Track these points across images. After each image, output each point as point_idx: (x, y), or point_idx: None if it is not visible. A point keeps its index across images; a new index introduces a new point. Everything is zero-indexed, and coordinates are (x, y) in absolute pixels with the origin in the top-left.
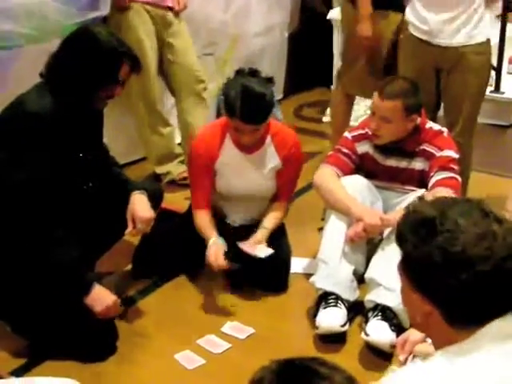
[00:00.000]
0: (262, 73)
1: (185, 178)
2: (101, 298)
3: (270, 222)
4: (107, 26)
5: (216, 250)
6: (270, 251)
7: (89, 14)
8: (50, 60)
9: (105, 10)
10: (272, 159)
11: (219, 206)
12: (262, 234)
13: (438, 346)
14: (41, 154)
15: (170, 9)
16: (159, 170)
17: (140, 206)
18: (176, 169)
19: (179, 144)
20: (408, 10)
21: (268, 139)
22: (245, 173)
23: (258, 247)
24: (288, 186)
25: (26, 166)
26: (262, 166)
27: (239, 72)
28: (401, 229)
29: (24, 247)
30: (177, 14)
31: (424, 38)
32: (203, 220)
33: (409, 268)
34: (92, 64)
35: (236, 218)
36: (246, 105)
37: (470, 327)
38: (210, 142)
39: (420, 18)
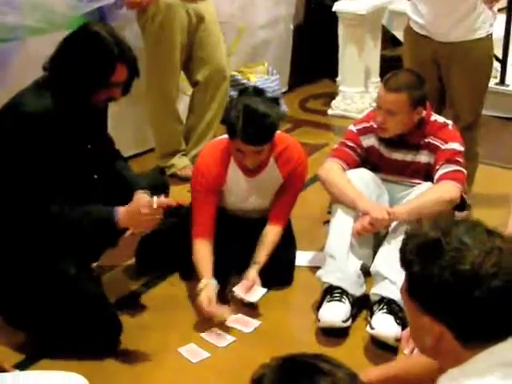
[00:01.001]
0: (268, 93)
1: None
2: (133, 214)
3: (261, 255)
4: (110, 26)
5: (209, 295)
6: (261, 292)
7: (97, 3)
8: (52, 56)
9: None
10: (275, 179)
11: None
12: (253, 272)
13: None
14: (45, 154)
15: None
16: (163, 162)
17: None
18: (179, 162)
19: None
20: (409, 5)
21: (271, 161)
22: (248, 196)
23: (249, 292)
24: (285, 204)
25: (32, 167)
26: (266, 185)
27: (244, 91)
28: (405, 252)
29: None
30: None
31: (422, 32)
32: (201, 252)
33: (417, 291)
34: (83, 67)
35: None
36: (247, 125)
37: (484, 344)
38: (215, 171)
39: (417, 12)
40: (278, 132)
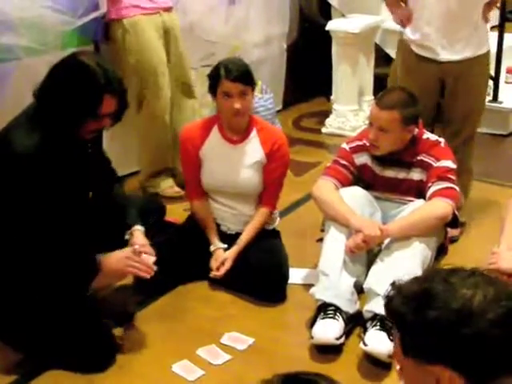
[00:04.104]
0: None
1: (171, 196)
2: (114, 270)
3: (243, 238)
4: (97, 54)
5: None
6: None
7: (88, 17)
8: (40, 85)
9: (103, 7)
10: (256, 152)
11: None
12: (230, 252)
13: None
14: (38, 193)
15: (165, 10)
16: (147, 182)
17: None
18: (163, 182)
19: None
20: (409, 29)
21: (253, 132)
22: (229, 163)
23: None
24: (272, 186)
25: (27, 206)
26: (247, 157)
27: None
28: (392, 311)
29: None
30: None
31: (427, 55)
32: (201, 213)
33: (416, 343)
34: (70, 99)
35: (230, 225)
36: (229, 65)
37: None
38: (195, 132)
39: (422, 36)
40: None
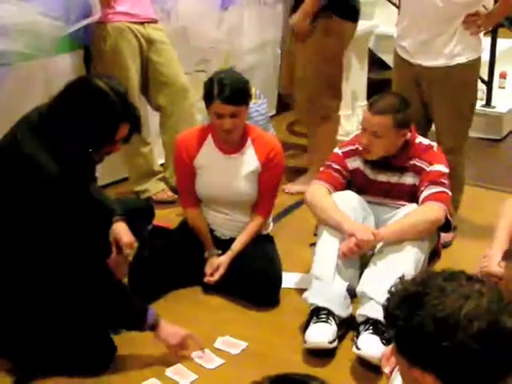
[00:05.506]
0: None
1: (164, 200)
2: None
3: (237, 243)
4: (111, 78)
5: (212, 265)
6: None
7: (82, 22)
8: (48, 107)
9: (96, 14)
10: (252, 162)
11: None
12: (224, 257)
13: None
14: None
15: (151, 22)
16: (138, 187)
17: (122, 231)
18: (154, 186)
19: (162, 164)
20: (395, 30)
21: (248, 142)
22: (224, 173)
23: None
24: (267, 194)
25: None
26: (242, 167)
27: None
28: (388, 309)
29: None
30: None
31: (405, 56)
32: (197, 222)
33: (404, 345)
34: (87, 127)
35: (224, 231)
36: (223, 86)
37: None
38: (190, 141)
39: (402, 38)
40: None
